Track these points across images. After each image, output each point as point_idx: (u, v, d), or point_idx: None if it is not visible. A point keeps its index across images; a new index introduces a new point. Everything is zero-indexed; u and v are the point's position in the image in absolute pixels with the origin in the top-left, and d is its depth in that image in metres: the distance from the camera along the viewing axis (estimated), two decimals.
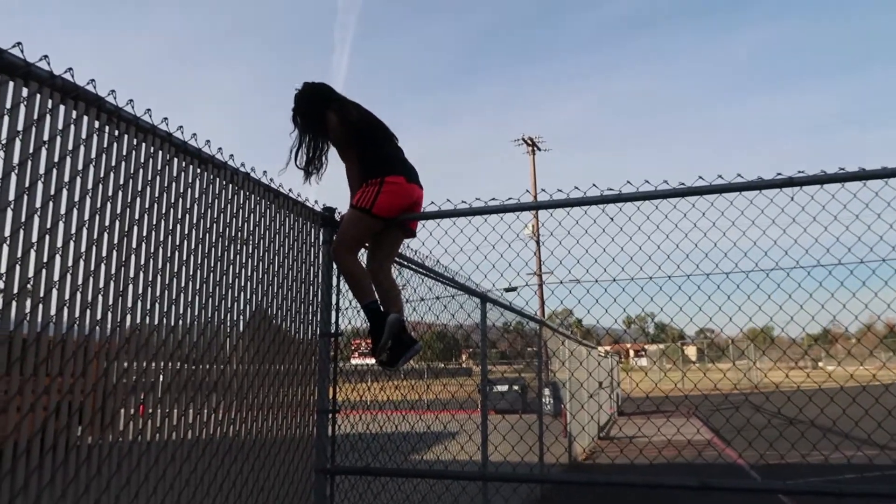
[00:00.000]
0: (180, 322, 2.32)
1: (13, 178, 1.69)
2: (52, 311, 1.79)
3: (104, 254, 1.98)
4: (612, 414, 19.93)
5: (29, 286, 1.72)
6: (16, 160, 1.70)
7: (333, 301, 3.40)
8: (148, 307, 2.16)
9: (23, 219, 1.71)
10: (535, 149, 33.41)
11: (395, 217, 3.29)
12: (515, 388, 18.05)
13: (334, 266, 3.39)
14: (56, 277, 1.80)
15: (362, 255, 3.48)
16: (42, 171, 1.78)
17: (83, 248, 1.90)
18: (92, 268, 1.93)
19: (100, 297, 1.96)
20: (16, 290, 1.69)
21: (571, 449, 10.82)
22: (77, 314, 1.87)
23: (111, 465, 1.97)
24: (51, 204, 1.80)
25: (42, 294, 1.76)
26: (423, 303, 4.58)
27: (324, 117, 3.35)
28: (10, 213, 1.68)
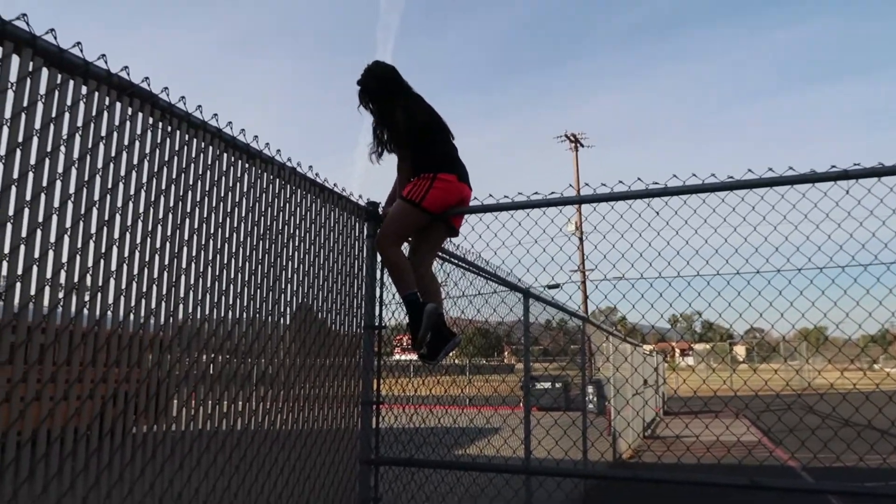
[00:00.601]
0: (229, 314, 2.37)
1: (73, 172, 1.76)
2: (110, 301, 1.86)
3: (157, 245, 2.04)
4: (658, 413, 19.61)
5: (88, 276, 1.79)
6: (76, 155, 1.77)
7: (377, 294, 3.44)
8: (199, 299, 2.22)
9: (82, 211, 1.78)
10: (578, 145, 33.05)
11: (442, 213, 3.31)
12: (558, 385, 17.92)
13: (378, 260, 3.43)
14: (113, 268, 1.87)
15: (405, 249, 3.50)
16: (100, 165, 1.84)
17: (138, 240, 1.97)
18: (147, 259, 1.99)
19: (154, 289, 2.03)
20: (76, 280, 1.76)
21: (616, 447, 10.69)
22: (133, 304, 1.94)
23: (164, 450, 2.03)
24: (108, 197, 1.86)
25: (100, 284, 1.83)
26: (465, 298, 4.59)
27: (391, 110, 3.37)
28: (70, 207, 1.75)
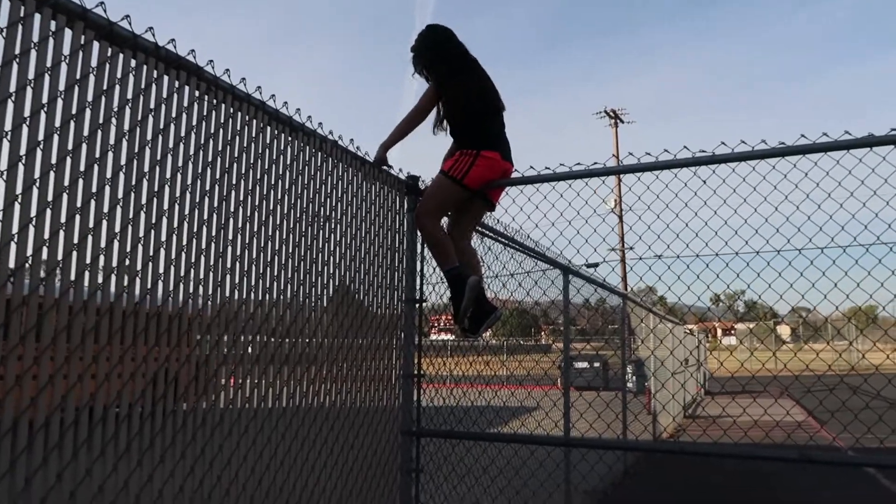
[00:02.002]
0: (273, 290, 2.40)
1: (124, 143, 1.79)
2: (160, 271, 1.90)
3: (205, 217, 2.08)
4: (698, 393, 19.37)
5: (139, 246, 1.83)
6: (126, 127, 1.81)
7: (418, 268, 3.45)
8: (245, 270, 2.25)
9: (133, 182, 1.81)
10: (619, 121, 32.49)
11: (482, 188, 3.29)
12: (597, 364, 17.83)
13: (418, 234, 3.43)
14: (163, 238, 1.90)
15: (444, 223, 3.50)
16: (149, 137, 1.87)
17: (186, 211, 2.00)
18: (195, 230, 2.03)
19: (202, 260, 2.06)
20: (128, 251, 1.80)
21: (655, 425, 10.60)
22: (181, 275, 1.97)
23: (205, 431, 2.06)
24: (157, 169, 1.90)
25: (150, 254, 1.87)
26: (504, 273, 4.57)
27: (448, 85, 3.33)
28: (122, 178, 1.79)
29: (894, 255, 2.71)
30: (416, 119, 3.36)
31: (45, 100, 1.59)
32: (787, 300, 2.93)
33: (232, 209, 2.20)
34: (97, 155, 1.71)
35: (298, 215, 2.56)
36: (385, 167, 3.21)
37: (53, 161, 1.60)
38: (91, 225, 1.69)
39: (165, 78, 1.95)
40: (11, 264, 1.50)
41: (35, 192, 1.56)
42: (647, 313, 10.67)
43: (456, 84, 3.30)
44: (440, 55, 3.39)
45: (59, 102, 1.63)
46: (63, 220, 1.62)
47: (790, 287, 2.85)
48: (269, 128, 2.41)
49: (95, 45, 1.74)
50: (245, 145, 2.28)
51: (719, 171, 2.89)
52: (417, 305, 3.42)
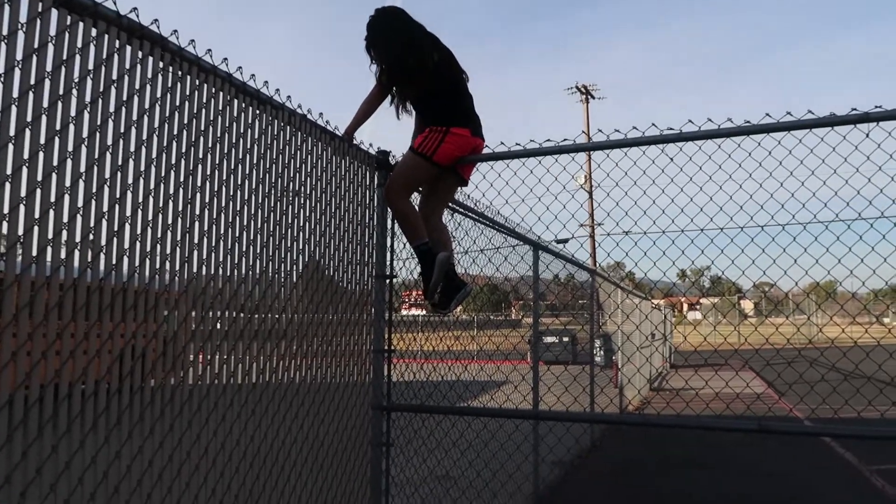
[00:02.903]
0: (242, 265, 2.38)
1: (86, 115, 1.75)
2: (126, 245, 1.87)
3: (171, 191, 2.04)
4: (664, 366, 19.81)
5: (103, 222, 1.80)
6: (87, 98, 1.76)
7: (388, 244, 3.45)
8: (212, 245, 2.23)
9: (96, 155, 1.77)
10: (589, 97, 32.57)
11: (453, 164, 3.28)
12: (565, 339, 18.10)
13: (389, 209, 3.42)
14: (128, 213, 1.87)
15: (415, 199, 3.49)
16: (112, 109, 1.83)
17: (152, 186, 1.97)
18: (160, 205, 2.00)
19: (168, 236, 2.03)
20: (91, 226, 1.76)
21: (622, 398, 10.84)
22: (147, 251, 1.95)
23: (174, 408, 2.05)
24: (121, 141, 1.86)
25: (115, 229, 1.83)
26: (475, 250, 4.59)
27: (400, 68, 3.24)
28: (84, 151, 1.75)
29: (852, 232, 2.79)
30: (374, 102, 3.30)
31: (0, 70, 1.54)
32: (749, 276, 3.00)
33: (199, 184, 2.17)
34: (58, 128, 1.67)
35: (267, 190, 2.53)
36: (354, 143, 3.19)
37: (11, 134, 1.56)
38: (52, 200, 1.65)
39: (128, 48, 1.90)
40: None
41: None
42: (614, 289, 10.83)
43: (417, 64, 3.24)
44: (392, 37, 3.30)
45: (17, 73, 1.58)
46: (23, 194, 1.58)
47: (752, 263, 2.92)
48: (236, 101, 2.36)
49: (54, 12, 1.68)
50: (212, 118, 2.24)
51: (687, 148, 2.93)
52: (388, 281, 3.43)
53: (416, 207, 3.39)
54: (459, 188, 3.60)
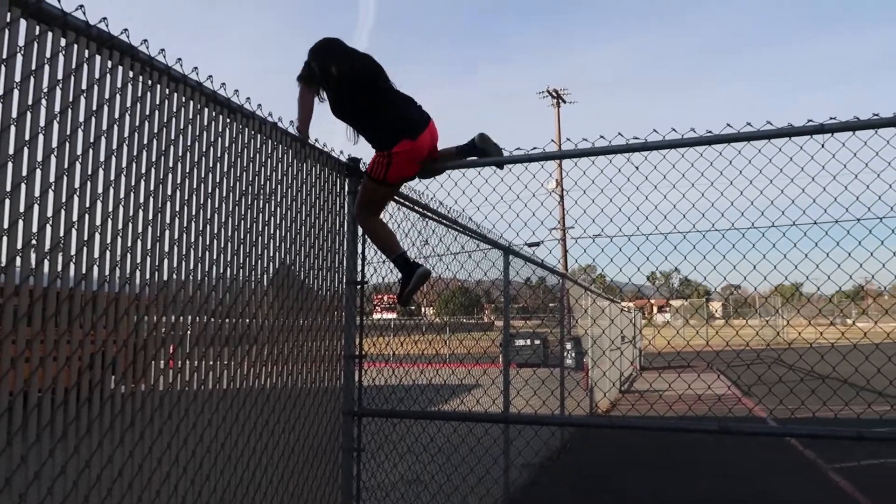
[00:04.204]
0: (213, 272, 2.39)
1: (55, 126, 1.75)
2: (96, 255, 1.87)
3: (141, 200, 2.04)
4: (634, 368, 20.07)
5: (74, 231, 1.80)
6: (57, 108, 1.76)
7: (359, 250, 3.47)
8: (183, 254, 2.23)
9: (66, 165, 1.77)
10: (561, 101, 32.89)
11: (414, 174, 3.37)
12: (537, 342, 18.23)
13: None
14: (98, 222, 1.87)
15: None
16: (82, 119, 1.83)
17: (122, 195, 1.97)
18: (130, 214, 2.00)
19: (138, 244, 2.03)
20: (61, 233, 1.76)
21: (592, 400, 10.97)
22: (118, 259, 1.95)
23: (144, 415, 2.04)
24: (90, 151, 1.86)
25: (86, 238, 1.83)
26: (449, 255, 4.64)
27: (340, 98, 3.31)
28: (53, 161, 1.75)
29: (808, 238, 2.90)
30: (308, 97, 3.26)
31: None
32: (719, 271, 3.08)
33: (169, 192, 2.17)
34: (27, 138, 1.67)
35: (237, 197, 2.54)
36: (318, 145, 3.19)
37: None
38: (21, 210, 1.65)
39: (98, 58, 1.90)
40: None
41: None
42: (583, 292, 10.96)
43: (332, 91, 3.28)
44: (329, 62, 3.30)
45: None
46: None
47: (713, 269, 3.01)
48: (206, 109, 2.37)
49: (22, 22, 1.68)
50: (182, 127, 2.25)
51: (652, 157, 3.01)
52: (359, 287, 3.45)
53: (384, 224, 3.46)
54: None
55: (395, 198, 3.77)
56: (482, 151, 3.41)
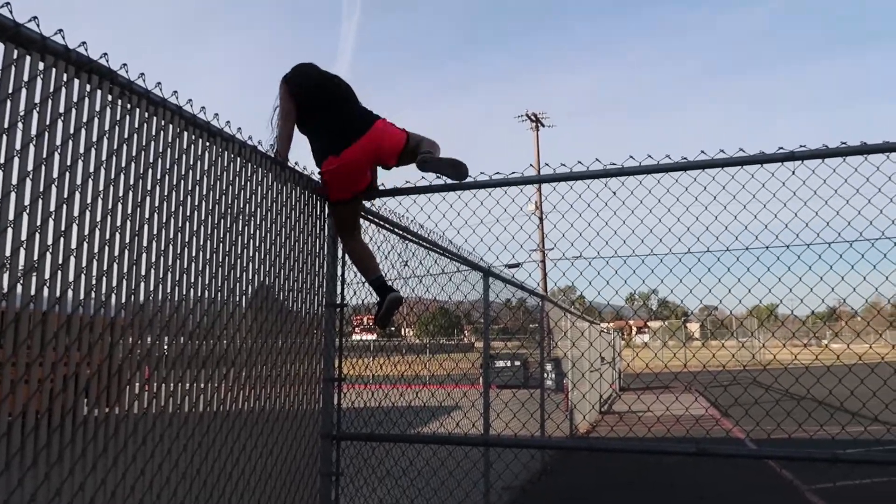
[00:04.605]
0: (190, 294, 2.37)
1: (31, 149, 1.74)
2: (70, 279, 1.85)
3: (118, 224, 2.03)
4: (614, 389, 20.12)
5: (48, 254, 1.78)
6: (33, 132, 1.75)
7: (339, 272, 3.47)
8: (160, 277, 2.22)
9: (41, 188, 1.76)
10: (539, 125, 33.24)
11: (385, 160, 3.33)
12: (517, 363, 18.21)
13: (338, 238, 3.48)
14: (73, 245, 1.86)
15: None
16: (59, 142, 1.82)
17: (98, 219, 1.96)
18: (107, 237, 1.98)
19: (115, 266, 2.02)
20: (35, 259, 1.74)
21: (572, 421, 10.96)
22: (93, 283, 1.93)
23: (118, 441, 2.01)
24: (67, 174, 1.85)
25: (60, 262, 1.82)
26: (429, 276, 4.65)
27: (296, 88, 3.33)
28: (28, 184, 1.73)
29: (781, 262, 2.95)
30: (289, 119, 3.30)
31: None
32: (696, 295, 3.12)
33: (147, 215, 2.16)
34: (1, 161, 1.66)
35: (216, 220, 2.53)
36: (298, 168, 3.21)
37: None
38: None
39: (76, 81, 1.90)
40: None
41: None
42: (562, 314, 11.00)
43: (306, 108, 3.30)
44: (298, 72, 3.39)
45: None
46: None
47: (690, 292, 3.05)
48: (185, 133, 2.37)
49: (0, 46, 1.68)
50: (161, 151, 2.24)
51: (628, 182, 3.06)
52: (338, 310, 3.44)
53: (363, 246, 3.49)
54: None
55: (375, 220, 3.78)
56: (439, 173, 3.29)
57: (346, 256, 3.50)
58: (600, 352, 14.82)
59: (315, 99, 3.31)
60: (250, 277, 2.74)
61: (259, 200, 2.82)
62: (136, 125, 2.13)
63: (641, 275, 3.14)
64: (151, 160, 2.19)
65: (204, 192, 2.46)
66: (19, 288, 1.71)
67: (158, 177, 2.22)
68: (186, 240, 2.35)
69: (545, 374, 9.88)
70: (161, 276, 2.22)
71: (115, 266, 2.02)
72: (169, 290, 2.26)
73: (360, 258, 3.41)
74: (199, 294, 2.42)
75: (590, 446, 2.86)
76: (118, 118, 2.05)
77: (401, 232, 4.03)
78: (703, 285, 2.97)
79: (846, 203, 2.61)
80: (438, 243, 4.53)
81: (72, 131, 1.87)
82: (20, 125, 1.71)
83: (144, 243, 2.15)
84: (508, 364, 18.12)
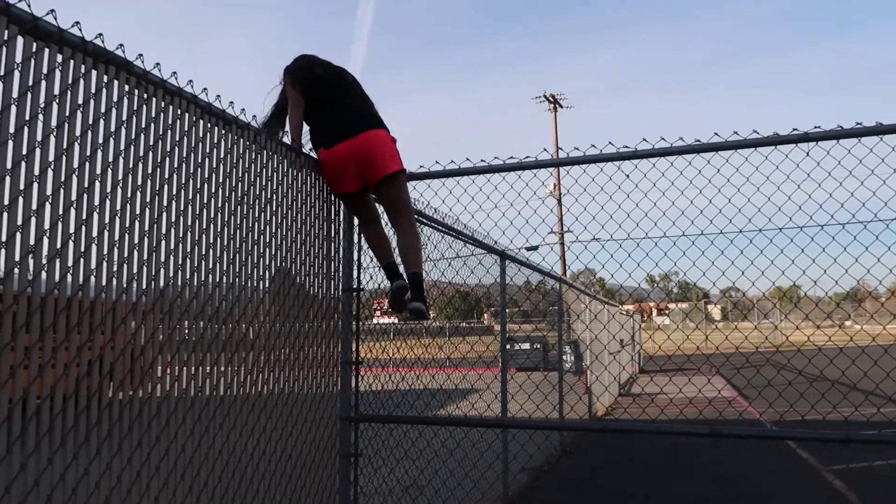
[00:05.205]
0: (209, 281, 2.42)
1: (52, 140, 1.79)
2: (93, 266, 1.91)
3: (137, 212, 2.09)
4: (634, 372, 20.10)
5: (71, 242, 1.84)
6: (53, 123, 1.80)
7: (355, 257, 3.51)
8: (179, 264, 2.27)
9: (62, 179, 1.82)
10: (557, 106, 32.97)
11: (364, 175, 3.23)
12: (536, 346, 18.26)
13: (355, 223, 3.51)
14: (94, 234, 1.91)
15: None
16: (78, 133, 1.87)
17: (118, 207, 2.01)
18: (127, 225, 2.04)
19: (135, 254, 2.07)
20: (58, 246, 1.80)
21: (591, 405, 10.99)
22: (115, 269, 1.99)
23: (142, 422, 2.08)
24: (87, 165, 1.90)
25: (83, 249, 1.87)
26: (443, 261, 4.68)
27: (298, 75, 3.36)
28: (50, 175, 1.79)
29: (815, 243, 2.93)
30: (297, 107, 3.32)
31: None
32: (709, 277, 3.12)
33: (165, 203, 2.21)
34: (24, 152, 1.71)
35: (234, 207, 2.58)
36: (313, 155, 3.25)
37: None
38: (19, 223, 1.69)
39: (94, 73, 1.94)
40: None
41: None
42: (577, 297, 10.99)
43: (311, 97, 3.32)
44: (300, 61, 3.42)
45: None
46: None
47: (712, 264, 3.04)
48: (201, 122, 2.41)
49: (20, 40, 1.73)
50: (178, 139, 2.29)
51: (642, 165, 3.05)
52: (355, 294, 3.49)
53: (376, 233, 3.49)
54: (386, 191, 3.33)
55: None
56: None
57: (362, 239, 3.54)
58: (619, 335, 14.80)
59: (317, 91, 3.31)
60: (268, 262, 2.79)
61: (275, 186, 2.86)
62: (153, 115, 2.17)
63: (654, 258, 3.14)
64: (168, 149, 2.24)
65: (221, 180, 2.50)
66: (44, 275, 1.76)
67: (176, 165, 2.27)
68: (204, 226, 2.40)
69: (564, 356, 9.91)
70: (180, 262, 2.28)
71: (136, 253, 2.08)
72: (188, 275, 2.32)
73: (373, 244, 3.46)
74: (218, 279, 2.47)
75: (603, 427, 2.89)
76: (135, 108, 2.09)
77: (416, 217, 4.06)
78: (716, 268, 2.97)
79: (861, 184, 2.59)
80: (454, 227, 4.55)
81: (90, 122, 1.92)
82: (41, 117, 1.76)
83: (163, 230, 2.20)
84: (527, 347, 18.18)
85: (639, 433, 2.69)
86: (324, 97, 3.31)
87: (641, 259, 3.16)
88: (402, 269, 3.35)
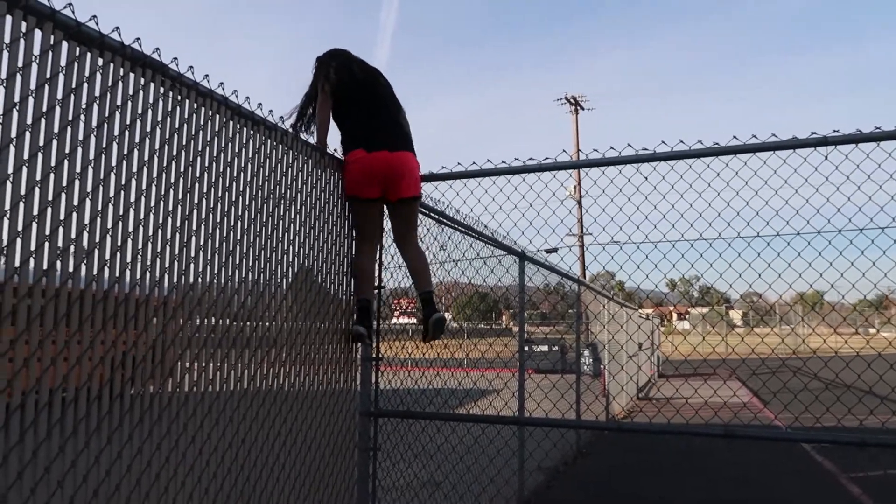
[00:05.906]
0: (236, 278, 2.51)
1: (92, 139, 1.88)
2: (128, 260, 2.00)
3: (170, 209, 2.17)
4: (652, 375, 19.98)
5: (108, 237, 1.93)
6: (94, 124, 1.89)
7: (375, 255, 3.58)
8: (208, 259, 2.36)
9: (101, 176, 1.91)
10: (578, 108, 32.87)
11: (385, 189, 3.27)
12: (555, 348, 18.24)
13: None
14: (130, 229, 2.00)
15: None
16: (116, 133, 1.96)
17: (152, 203, 2.10)
18: (160, 221, 2.13)
19: (167, 250, 2.16)
20: (97, 241, 1.89)
21: (609, 408, 10.98)
22: (149, 265, 2.08)
23: (171, 412, 2.17)
24: (124, 163, 1.99)
25: (119, 244, 1.96)
26: (463, 261, 4.74)
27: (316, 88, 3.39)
28: (90, 172, 1.88)
29: (832, 247, 2.94)
30: (325, 107, 3.35)
31: (16, 98, 1.67)
32: (725, 279, 3.14)
33: (196, 201, 2.30)
34: (67, 151, 1.80)
35: (260, 205, 2.66)
36: (337, 155, 3.31)
37: (25, 157, 1.69)
38: (62, 217, 1.78)
39: (132, 76, 2.03)
40: None
41: (8, 186, 1.65)
42: (594, 298, 10.98)
43: (322, 88, 3.35)
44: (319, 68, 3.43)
45: (31, 101, 1.71)
46: (35, 213, 1.71)
47: (729, 267, 3.06)
48: (231, 122, 2.50)
49: (64, 44, 1.82)
50: (209, 139, 2.37)
51: (660, 167, 3.09)
52: (376, 292, 3.56)
53: (370, 258, 3.43)
54: (410, 209, 3.42)
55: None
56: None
57: (384, 238, 3.60)
58: (638, 338, 14.74)
59: (350, 91, 3.34)
60: (291, 260, 2.87)
61: (300, 185, 2.94)
62: (186, 115, 2.26)
63: (681, 266, 3.17)
64: (200, 148, 2.32)
65: (248, 179, 2.59)
66: (83, 269, 1.85)
67: (206, 164, 2.36)
68: (232, 224, 2.49)
69: (583, 359, 9.92)
70: (209, 258, 2.36)
71: (168, 248, 2.16)
72: (216, 272, 2.40)
73: (361, 266, 3.37)
74: (243, 276, 2.55)
75: (619, 426, 2.93)
76: (169, 109, 2.18)
77: (437, 217, 4.13)
78: (733, 270, 2.99)
79: (879, 188, 2.60)
80: (474, 227, 4.61)
81: (128, 122, 2.01)
82: (82, 118, 1.85)
83: (194, 227, 2.28)
84: (546, 349, 18.16)
85: (654, 433, 2.73)
86: (356, 96, 3.34)
87: (659, 260, 3.18)
88: (412, 283, 3.42)
